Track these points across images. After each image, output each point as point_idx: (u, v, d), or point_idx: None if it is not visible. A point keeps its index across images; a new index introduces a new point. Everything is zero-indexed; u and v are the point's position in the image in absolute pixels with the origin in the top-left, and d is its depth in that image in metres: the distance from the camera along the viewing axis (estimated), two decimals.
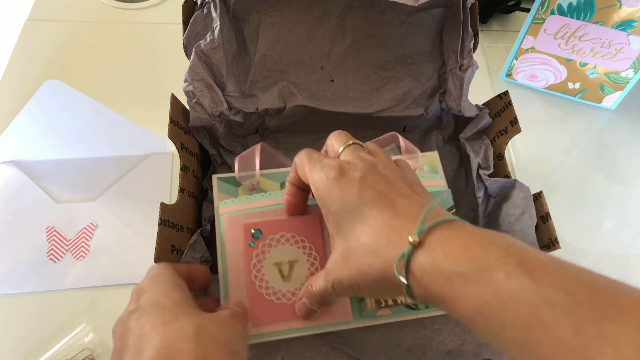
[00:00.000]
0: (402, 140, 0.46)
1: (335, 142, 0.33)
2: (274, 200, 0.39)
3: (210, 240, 0.45)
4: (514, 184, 0.44)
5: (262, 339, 0.35)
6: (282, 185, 0.43)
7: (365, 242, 0.27)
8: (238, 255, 0.37)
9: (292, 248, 0.37)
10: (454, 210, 0.42)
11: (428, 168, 0.46)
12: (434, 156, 0.47)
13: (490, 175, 0.48)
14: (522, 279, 0.21)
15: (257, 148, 0.43)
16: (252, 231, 0.38)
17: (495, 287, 0.21)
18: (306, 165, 0.31)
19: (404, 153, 0.45)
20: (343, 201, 0.28)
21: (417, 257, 0.25)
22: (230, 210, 0.39)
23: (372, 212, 0.27)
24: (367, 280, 0.27)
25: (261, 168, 0.43)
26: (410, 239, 0.25)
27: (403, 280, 0.25)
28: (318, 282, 0.31)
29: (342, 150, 0.32)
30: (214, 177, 0.42)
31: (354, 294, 0.34)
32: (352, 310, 0.36)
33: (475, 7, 0.47)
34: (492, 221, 0.47)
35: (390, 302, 0.36)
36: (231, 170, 0.52)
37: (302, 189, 0.35)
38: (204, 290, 0.38)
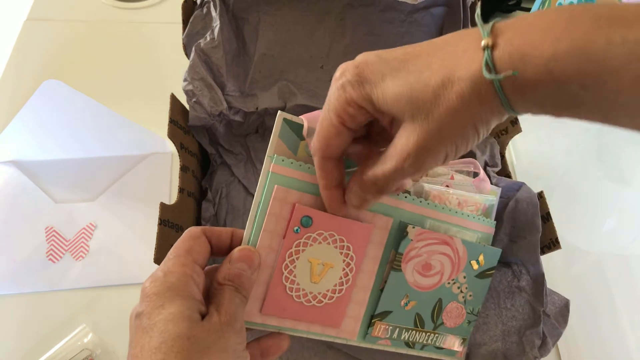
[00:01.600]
0: (481, 171, 0.43)
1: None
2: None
3: None
4: (519, 187, 0.44)
5: (263, 328, 0.34)
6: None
7: (435, 78, 0.23)
8: (276, 235, 0.32)
9: (335, 251, 0.34)
10: (493, 271, 0.40)
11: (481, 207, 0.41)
12: (494, 193, 0.43)
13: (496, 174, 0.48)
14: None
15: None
16: (303, 217, 0.33)
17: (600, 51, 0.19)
18: (324, 109, 0.27)
19: (476, 181, 0.42)
20: (386, 69, 0.25)
21: (500, 52, 0.21)
22: (284, 173, 0.33)
23: (421, 58, 0.24)
24: (454, 121, 0.23)
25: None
26: (483, 42, 0.22)
27: (496, 80, 0.21)
28: (385, 164, 0.26)
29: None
30: (280, 114, 0.33)
31: (432, 161, 0.25)
32: (359, 332, 0.36)
33: (475, 5, 0.47)
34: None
35: (394, 335, 0.37)
36: (230, 170, 0.51)
37: (333, 158, 0.29)
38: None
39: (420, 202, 0.36)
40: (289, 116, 0.33)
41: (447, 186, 0.40)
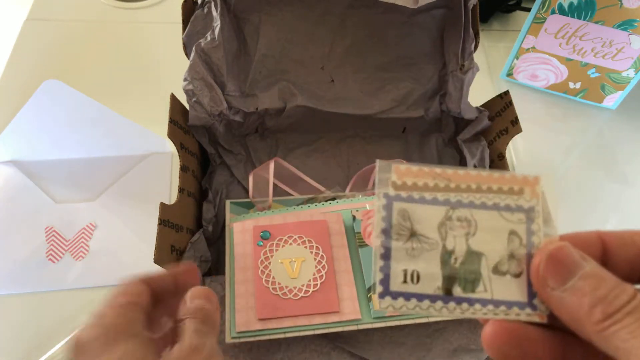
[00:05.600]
0: None
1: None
2: (282, 216, 0.41)
3: (211, 241, 0.45)
4: None
5: (267, 336, 0.35)
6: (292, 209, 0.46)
7: None
8: (246, 255, 0.38)
9: (299, 248, 0.39)
10: None
11: None
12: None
13: None
14: None
15: (271, 167, 0.45)
16: (262, 232, 0.39)
17: None
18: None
19: None
20: None
21: None
22: (239, 220, 0.41)
23: None
24: None
25: (275, 183, 0.46)
26: None
27: None
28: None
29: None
30: (227, 202, 0.44)
31: None
32: (362, 311, 0.37)
33: (477, 8, 0.47)
34: None
35: None
36: (229, 170, 0.51)
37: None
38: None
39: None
40: (235, 200, 0.45)
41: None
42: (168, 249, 0.37)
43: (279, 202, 0.45)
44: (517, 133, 0.46)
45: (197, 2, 0.46)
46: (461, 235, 0.20)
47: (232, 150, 0.52)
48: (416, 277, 0.20)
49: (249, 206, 0.45)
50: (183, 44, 0.46)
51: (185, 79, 0.45)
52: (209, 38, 0.45)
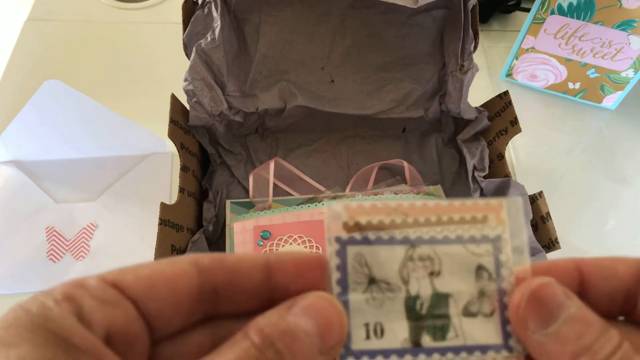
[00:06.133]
0: (407, 169, 0.46)
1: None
2: (282, 216, 0.41)
3: (211, 241, 0.45)
4: (509, 183, 0.44)
5: None
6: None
7: None
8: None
9: (299, 248, 0.39)
10: None
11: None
12: (437, 189, 0.47)
13: (489, 176, 0.48)
14: None
15: (271, 167, 0.45)
16: (262, 232, 0.40)
17: None
18: None
19: (409, 182, 0.46)
20: None
21: None
22: (239, 219, 0.42)
23: None
24: None
25: (275, 183, 0.47)
26: None
27: None
28: None
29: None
30: (227, 202, 0.44)
31: None
32: None
33: (476, 8, 0.47)
34: None
35: None
36: (230, 170, 0.52)
37: None
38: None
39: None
40: (235, 200, 0.46)
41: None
42: (168, 249, 0.37)
43: (279, 202, 0.46)
44: (517, 133, 0.46)
45: (197, 3, 0.46)
46: (425, 276, 0.18)
47: (232, 151, 0.52)
48: (380, 331, 0.18)
49: (249, 206, 0.45)
50: (183, 44, 0.47)
51: (185, 79, 0.45)
52: (209, 38, 0.45)
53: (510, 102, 0.48)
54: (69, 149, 0.56)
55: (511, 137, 0.47)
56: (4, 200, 0.53)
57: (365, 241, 0.18)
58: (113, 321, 0.15)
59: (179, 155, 0.43)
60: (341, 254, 0.18)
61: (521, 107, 0.50)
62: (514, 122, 0.47)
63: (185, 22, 0.46)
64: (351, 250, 0.18)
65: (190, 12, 0.46)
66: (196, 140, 0.48)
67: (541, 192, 0.42)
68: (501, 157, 0.48)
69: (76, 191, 0.54)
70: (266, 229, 0.40)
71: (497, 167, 0.48)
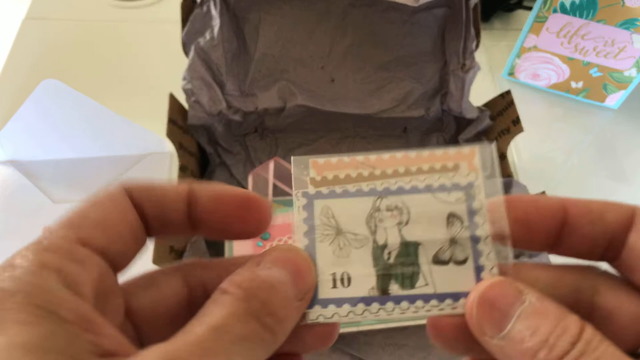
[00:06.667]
0: None
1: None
2: (282, 216, 0.41)
3: (211, 242, 0.45)
4: (511, 183, 0.44)
5: None
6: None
7: None
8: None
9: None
10: None
11: None
12: None
13: None
14: None
15: (271, 167, 0.45)
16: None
17: None
18: None
19: None
20: None
21: None
22: None
23: None
24: None
25: (274, 183, 0.45)
26: None
27: None
28: None
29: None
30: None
31: None
32: None
33: (478, 7, 0.46)
34: None
35: None
36: (229, 170, 0.51)
37: None
38: None
39: None
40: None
41: None
42: (166, 249, 0.37)
43: (279, 202, 0.45)
44: (519, 133, 0.46)
45: (196, 1, 0.46)
46: (393, 225, 0.18)
47: (231, 150, 0.52)
48: (347, 280, 0.18)
49: None
50: (182, 43, 0.46)
51: (184, 78, 0.45)
52: (208, 37, 0.45)
53: (512, 102, 0.47)
54: (66, 149, 0.55)
55: (513, 137, 0.47)
56: (1, 201, 0.52)
57: (332, 194, 0.18)
58: (94, 281, 0.14)
59: (178, 155, 0.43)
60: (308, 208, 0.18)
61: (523, 106, 0.50)
62: (516, 121, 0.46)
63: (184, 20, 0.46)
64: (318, 205, 0.18)
65: (189, 11, 0.46)
66: (195, 139, 0.48)
67: (544, 192, 0.42)
68: (503, 157, 0.47)
69: (74, 191, 0.54)
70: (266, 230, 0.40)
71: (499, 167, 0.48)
